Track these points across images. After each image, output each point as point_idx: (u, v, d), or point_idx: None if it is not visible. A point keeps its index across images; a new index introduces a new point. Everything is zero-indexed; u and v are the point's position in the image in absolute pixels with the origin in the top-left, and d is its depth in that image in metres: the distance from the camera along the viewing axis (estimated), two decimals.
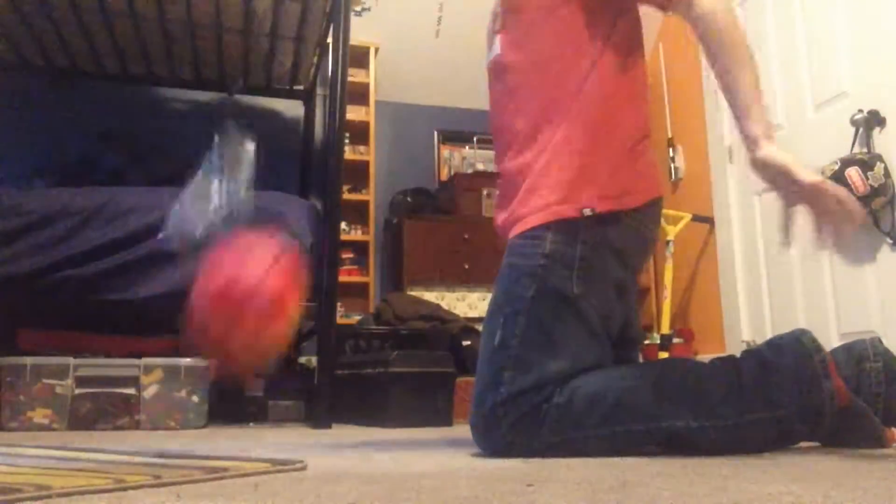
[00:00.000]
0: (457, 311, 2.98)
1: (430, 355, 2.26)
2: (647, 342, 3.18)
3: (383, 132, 3.79)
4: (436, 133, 3.94)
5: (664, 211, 3.05)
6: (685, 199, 3.47)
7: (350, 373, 2.39)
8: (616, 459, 1.04)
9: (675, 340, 3.19)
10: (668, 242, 3.21)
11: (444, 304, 2.94)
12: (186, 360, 2.11)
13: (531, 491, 0.73)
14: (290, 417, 2.45)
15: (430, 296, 3.12)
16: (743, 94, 1.11)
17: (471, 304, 3.28)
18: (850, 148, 2.40)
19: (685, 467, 0.93)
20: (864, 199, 2.28)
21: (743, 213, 3.06)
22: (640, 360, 1.56)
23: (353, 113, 3.46)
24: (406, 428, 2.00)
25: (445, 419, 2.17)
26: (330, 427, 2.09)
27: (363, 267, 3.52)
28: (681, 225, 3.23)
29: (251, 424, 2.28)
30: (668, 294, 3.17)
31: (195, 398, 2.11)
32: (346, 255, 3.44)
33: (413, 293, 3.12)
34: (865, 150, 2.37)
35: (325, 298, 2.20)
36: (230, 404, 2.42)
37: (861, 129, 2.40)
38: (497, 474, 0.89)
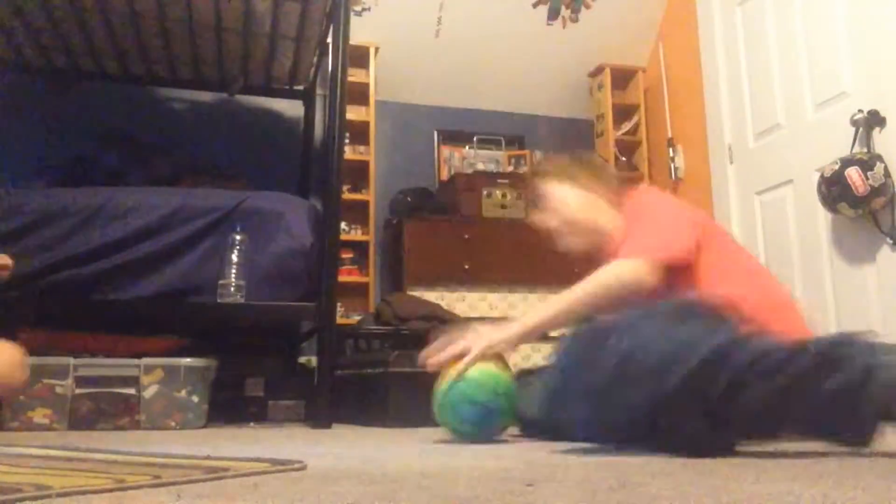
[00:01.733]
0: (457, 311, 2.97)
1: None
2: None
3: (383, 132, 3.79)
4: (436, 133, 3.93)
5: None
6: (685, 199, 3.46)
7: (350, 373, 2.38)
8: (616, 459, 1.04)
9: None
10: None
11: (444, 304, 2.94)
12: (186, 360, 2.11)
13: (531, 491, 0.73)
14: (290, 417, 2.45)
15: (430, 296, 3.11)
16: (559, 307, 1.51)
17: (471, 304, 3.27)
18: (850, 148, 2.40)
19: (685, 467, 0.93)
20: (864, 199, 2.29)
21: (743, 213, 3.06)
22: None
23: (353, 113, 3.45)
24: (406, 428, 2.00)
25: None
26: (330, 427, 2.09)
27: (363, 267, 3.52)
28: None
29: (251, 424, 2.28)
30: None
31: (195, 398, 2.11)
32: (346, 255, 3.44)
33: (413, 293, 3.12)
34: (865, 150, 2.38)
35: (325, 298, 2.20)
36: (230, 404, 2.42)
37: (861, 129, 2.40)
38: (497, 474, 0.89)
